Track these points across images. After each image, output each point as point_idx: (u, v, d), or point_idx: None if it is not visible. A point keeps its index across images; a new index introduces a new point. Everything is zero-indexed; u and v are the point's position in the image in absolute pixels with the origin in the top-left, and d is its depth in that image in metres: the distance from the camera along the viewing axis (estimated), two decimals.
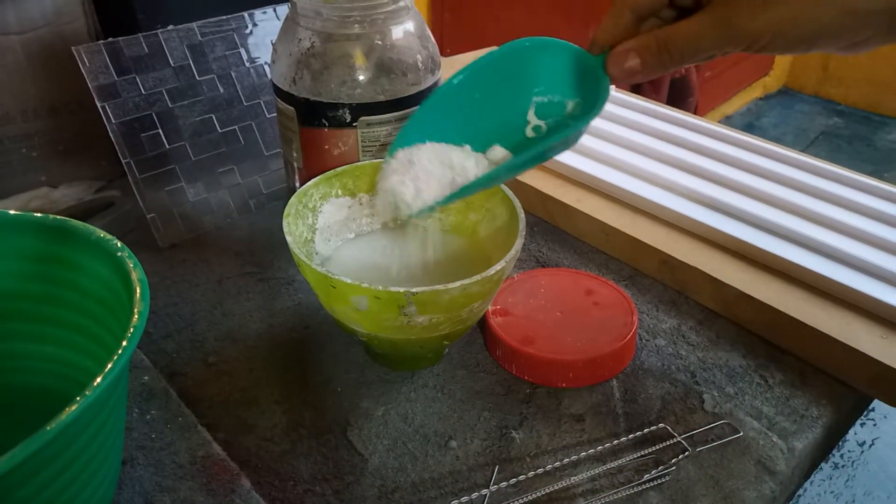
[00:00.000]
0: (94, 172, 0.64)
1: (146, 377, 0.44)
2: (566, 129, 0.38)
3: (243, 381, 0.46)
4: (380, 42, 0.51)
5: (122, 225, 0.57)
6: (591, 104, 0.38)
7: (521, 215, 0.44)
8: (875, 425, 1.44)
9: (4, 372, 0.39)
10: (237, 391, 0.45)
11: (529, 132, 0.41)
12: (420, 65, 0.52)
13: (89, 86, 0.54)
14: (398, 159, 0.41)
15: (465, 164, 0.41)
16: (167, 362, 0.47)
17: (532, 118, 0.41)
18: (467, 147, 0.42)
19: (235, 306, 0.52)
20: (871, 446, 1.40)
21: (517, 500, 0.38)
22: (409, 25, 0.52)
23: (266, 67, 0.63)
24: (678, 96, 1.96)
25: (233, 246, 0.58)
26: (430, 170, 0.41)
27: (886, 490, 1.29)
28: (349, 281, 0.38)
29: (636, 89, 1.37)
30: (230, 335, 0.49)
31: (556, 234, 0.61)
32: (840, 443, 1.39)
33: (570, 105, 0.40)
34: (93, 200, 0.58)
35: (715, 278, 0.51)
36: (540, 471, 0.39)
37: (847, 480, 1.31)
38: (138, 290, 0.32)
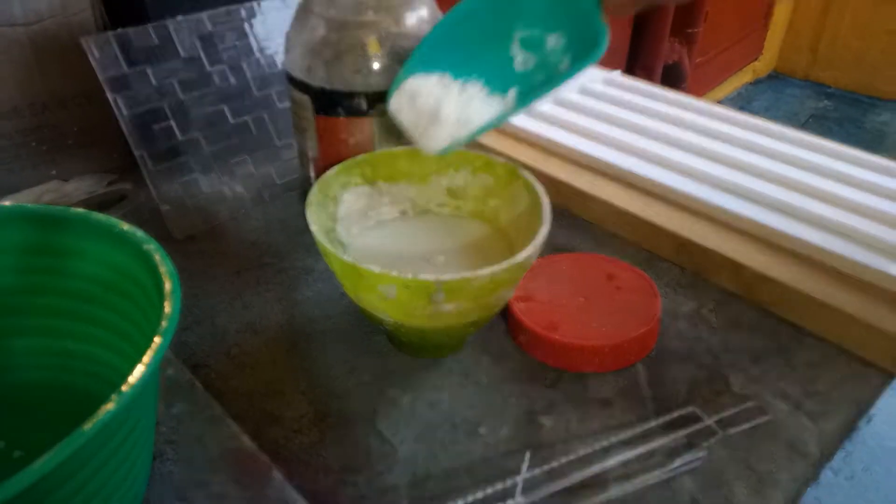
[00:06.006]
0: (105, 165, 0.63)
1: (170, 370, 0.44)
2: (566, 70, 0.39)
3: (267, 373, 0.45)
4: (394, 29, 0.50)
5: (136, 217, 0.57)
6: (582, 41, 0.38)
7: (545, 200, 0.44)
8: None
9: (25, 369, 0.38)
10: (261, 383, 0.44)
11: (519, 65, 0.42)
12: None
13: (99, 77, 0.53)
14: (406, 91, 0.44)
15: (473, 104, 0.43)
16: (188, 355, 0.46)
17: (517, 52, 0.42)
18: (476, 84, 0.43)
19: (255, 297, 0.51)
20: (868, 422, 1.41)
21: (550, 487, 0.38)
22: (423, 12, 0.52)
23: (276, 57, 0.63)
24: (671, 81, 1.96)
25: (249, 237, 0.58)
26: (440, 109, 0.43)
27: (884, 465, 1.30)
28: (378, 270, 0.37)
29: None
30: (251, 327, 0.49)
31: (570, 219, 0.60)
32: None
33: (552, 40, 0.41)
34: (105, 193, 0.58)
35: (734, 260, 0.51)
36: (572, 456, 0.39)
37: (845, 456, 1.32)
38: (168, 284, 0.32)
